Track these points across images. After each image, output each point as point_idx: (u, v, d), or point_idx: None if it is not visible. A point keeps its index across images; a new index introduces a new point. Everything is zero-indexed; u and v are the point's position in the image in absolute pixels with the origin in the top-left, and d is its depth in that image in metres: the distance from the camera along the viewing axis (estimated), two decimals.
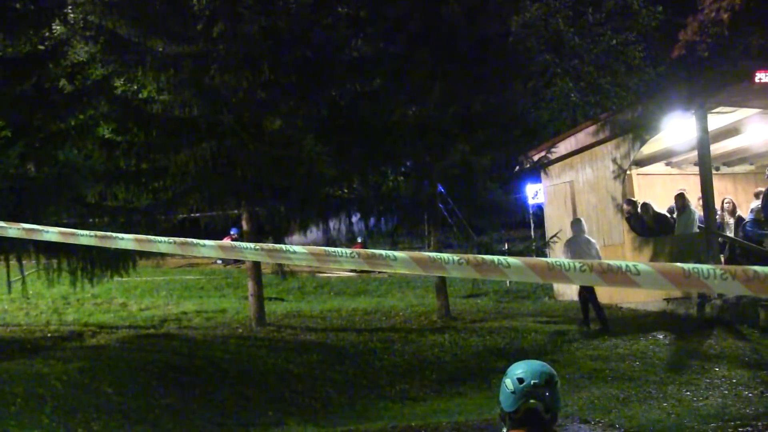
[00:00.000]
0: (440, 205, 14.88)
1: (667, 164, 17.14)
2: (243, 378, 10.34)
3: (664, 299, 14.20)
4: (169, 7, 13.05)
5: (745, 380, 10.08)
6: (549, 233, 16.37)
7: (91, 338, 12.02)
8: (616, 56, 27.70)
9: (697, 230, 14.39)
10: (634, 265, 2.17)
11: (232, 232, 19.73)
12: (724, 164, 17.25)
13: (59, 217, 11.70)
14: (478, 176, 14.89)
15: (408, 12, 13.80)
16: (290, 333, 12.95)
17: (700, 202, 14.97)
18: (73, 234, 4.02)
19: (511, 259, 2.41)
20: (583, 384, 10.27)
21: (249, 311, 13.63)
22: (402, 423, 8.75)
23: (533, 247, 17.35)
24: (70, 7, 12.61)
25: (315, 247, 3.11)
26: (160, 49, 13.12)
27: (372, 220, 14.57)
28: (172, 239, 3.52)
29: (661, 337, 12.55)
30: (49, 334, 12.07)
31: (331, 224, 14.69)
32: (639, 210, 15.30)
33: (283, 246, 3.11)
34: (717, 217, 14.34)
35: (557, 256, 14.29)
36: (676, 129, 14.55)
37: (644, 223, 15.26)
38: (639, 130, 14.97)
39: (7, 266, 12.21)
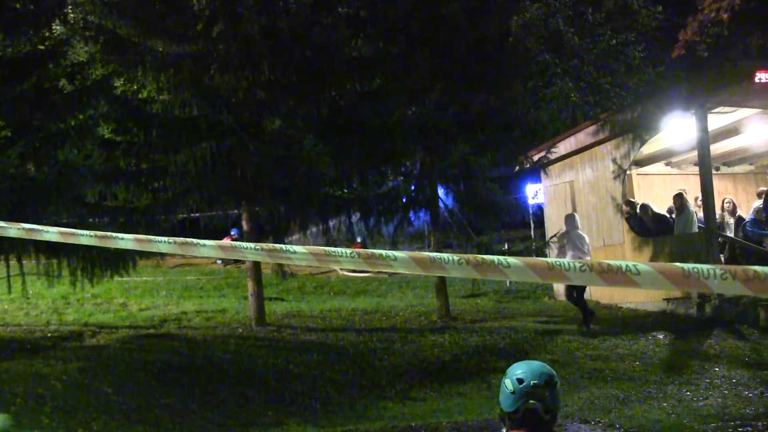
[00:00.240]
0: (440, 205, 14.87)
1: (667, 164, 17.14)
2: (243, 378, 10.34)
3: (664, 299, 14.20)
4: (168, 7, 13.05)
5: (745, 380, 10.08)
6: (549, 233, 16.37)
7: (91, 338, 12.02)
8: (615, 56, 27.69)
9: (697, 230, 14.39)
10: (634, 265, 2.17)
11: (232, 233, 19.72)
12: (724, 164, 17.24)
13: (59, 217, 11.70)
14: (478, 176, 14.89)
15: (408, 12, 13.81)
16: (290, 333, 12.95)
17: (697, 201, 14.99)
18: (73, 234, 4.02)
19: (511, 259, 2.41)
20: (583, 384, 10.27)
21: (249, 311, 13.63)
22: (402, 423, 8.76)
23: (533, 247, 17.36)
24: (69, 7, 12.61)
25: (315, 246, 3.11)
26: (160, 49, 13.11)
27: (372, 220, 14.58)
28: (172, 239, 3.52)
29: (661, 337, 12.56)
30: (49, 334, 12.07)
31: (331, 224, 14.70)
32: (638, 211, 15.30)
33: (283, 246, 3.11)
34: (717, 217, 14.35)
35: (557, 255, 14.29)
36: (676, 129, 14.56)
37: (643, 224, 15.26)
38: (639, 130, 14.98)
39: (7, 266, 12.21)
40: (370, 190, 15.20)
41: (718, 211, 14.57)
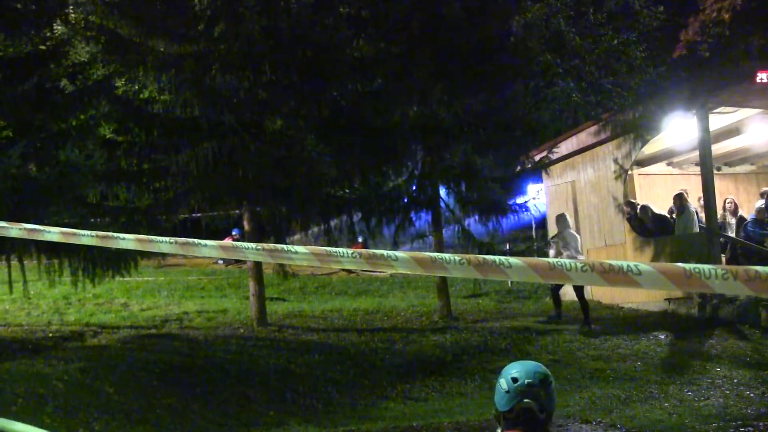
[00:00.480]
0: (441, 205, 14.87)
1: (669, 164, 17.13)
2: (244, 378, 10.34)
3: (666, 299, 14.20)
4: (170, 7, 13.05)
5: (747, 380, 10.08)
6: (550, 233, 16.37)
7: (93, 338, 12.03)
8: (617, 56, 27.67)
9: (698, 230, 14.39)
10: (635, 265, 2.17)
11: (233, 233, 19.72)
12: (726, 164, 17.25)
13: (60, 217, 11.68)
14: (480, 176, 14.89)
15: (409, 12, 13.81)
16: (291, 333, 12.96)
17: (700, 202, 14.99)
18: (74, 234, 4.01)
19: (513, 259, 2.41)
20: (585, 384, 10.28)
21: (250, 311, 13.63)
22: (403, 423, 8.76)
23: (535, 248, 17.35)
24: (71, 7, 12.60)
25: (316, 247, 3.11)
26: (162, 49, 13.11)
27: (373, 220, 14.58)
28: (173, 239, 3.51)
29: (662, 337, 12.56)
30: (50, 334, 12.07)
31: (333, 224, 14.70)
32: (638, 212, 15.30)
33: (284, 246, 3.11)
34: (719, 217, 14.35)
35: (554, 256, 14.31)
36: (678, 129, 14.56)
37: (644, 225, 15.26)
38: (640, 130, 14.99)
39: (9, 266, 12.21)
40: (371, 190, 15.19)
41: (719, 211, 14.57)
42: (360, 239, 18.49)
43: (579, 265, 2.26)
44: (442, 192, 15.07)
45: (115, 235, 3.81)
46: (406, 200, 15.00)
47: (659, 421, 8.52)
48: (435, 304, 14.94)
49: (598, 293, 15.59)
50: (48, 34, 12.23)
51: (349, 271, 20.42)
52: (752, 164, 17.69)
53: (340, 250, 2.89)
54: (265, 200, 13.69)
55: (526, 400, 2.93)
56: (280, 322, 13.67)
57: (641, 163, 16.64)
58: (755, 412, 8.80)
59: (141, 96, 13.92)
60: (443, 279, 14.31)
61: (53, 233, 4.18)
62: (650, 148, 15.98)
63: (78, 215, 12.26)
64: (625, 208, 15.44)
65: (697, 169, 14.86)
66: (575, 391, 9.92)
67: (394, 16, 14.00)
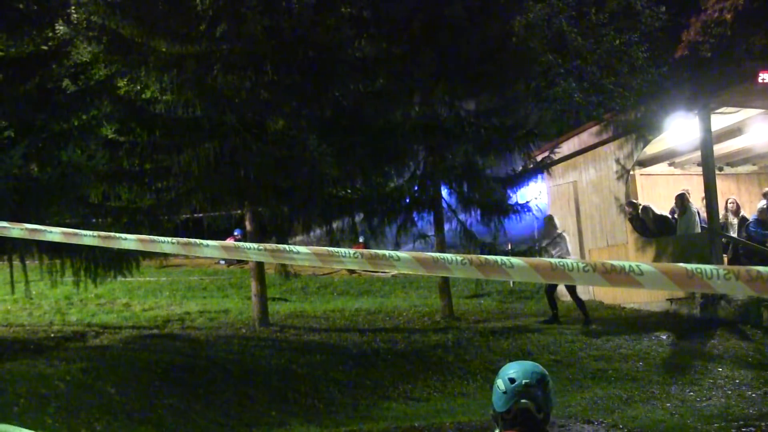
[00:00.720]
0: (443, 205, 14.87)
1: (671, 164, 17.11)
2: (246, 378, 10.34)
3: (668, 299, 14.20)
4: (172, 7, 13.05)
5: (749, 380, 10.08)
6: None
7: (94, 338, 12.03)
8: (619, 57, 27.65)
9: (699, 231, 14.38)
10: (637, 266, 2.17)
11: (235, 233, 19.72)
12: (728, 164, 17.23)
13: (62, 218, 11.68)
14: (482, 176, 14.89)
15: (411, 12, 13.81)
16: (293, 333, 12.96)
17: (704, 202, 14.97)
18: (76, 234, 4.01)
19: (515, 260, 2.41)
20: (587, 384, 10.28)
21: (252, 311, 13.63)
22: (405, 423, 8.76)
23: (536, 248, 17.34)
24: (73, 7, 12.60)
25: (318, 247, 3.11)
26: (163, 49, 13.11)
27: (375, 221, 14.57)
28: (175, 239, 3.51)
29: (664, 337, 12.55)
30: (52, 335, 12.08)
31: (334, 225, 14.69)
32: (640, 213, 15.29)
33: (286, 246, 3.11)
34: (720, 217, 14.34)
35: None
36: (680, 129, 14.54)
37: (646, 226, 15.25)
38: (642, 130, 14.99)
39: (11, 266, 12.22)
40: (373, 190, 15.19)
41: (721, 211, 14.56)
42: (362, 239, 18.49)
43: (581, 265, 2.26)
44: (444, 192, 15.07)
45: (117, 235, 3.81)
46: (408, 200, 15.00)
47: (661, 421, 8.51)
48: (437, 304, 14.93)
49: (600, 293, 15.59)
50: (50, 34, 12.22)
51: (352, 271, 20.43)
52: (754, 164, 17.67)
53: (342, 250, 2.89)
54: (266, 200, 13.69)
55: (523, 401, 2.93)
56: (282, 322, 13.67)
57: (643, 163, 16.62)
58: (757, 412, 8.79)
59: (143, 96, 13.91)
60: (445, 279, 14.31)
61: (55, 233, 4.18)
62: (652, 149, 15.97)
63: (80, 215, 12.26)
64: (626, 208, 15.44)
65: (699, 170, 14.85)
66: (577, 391, 9.92)
67: (396, 16, 14.00)
